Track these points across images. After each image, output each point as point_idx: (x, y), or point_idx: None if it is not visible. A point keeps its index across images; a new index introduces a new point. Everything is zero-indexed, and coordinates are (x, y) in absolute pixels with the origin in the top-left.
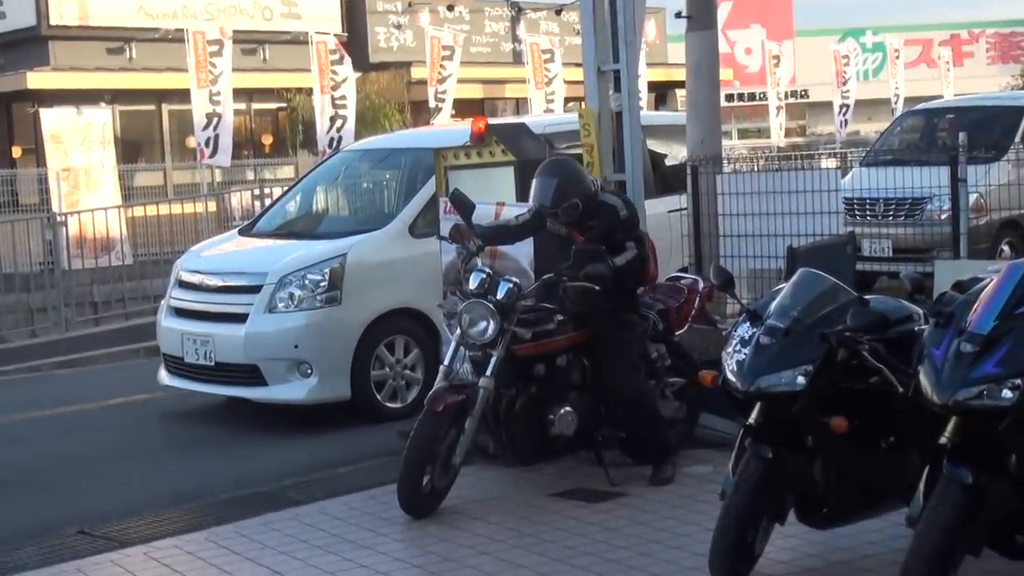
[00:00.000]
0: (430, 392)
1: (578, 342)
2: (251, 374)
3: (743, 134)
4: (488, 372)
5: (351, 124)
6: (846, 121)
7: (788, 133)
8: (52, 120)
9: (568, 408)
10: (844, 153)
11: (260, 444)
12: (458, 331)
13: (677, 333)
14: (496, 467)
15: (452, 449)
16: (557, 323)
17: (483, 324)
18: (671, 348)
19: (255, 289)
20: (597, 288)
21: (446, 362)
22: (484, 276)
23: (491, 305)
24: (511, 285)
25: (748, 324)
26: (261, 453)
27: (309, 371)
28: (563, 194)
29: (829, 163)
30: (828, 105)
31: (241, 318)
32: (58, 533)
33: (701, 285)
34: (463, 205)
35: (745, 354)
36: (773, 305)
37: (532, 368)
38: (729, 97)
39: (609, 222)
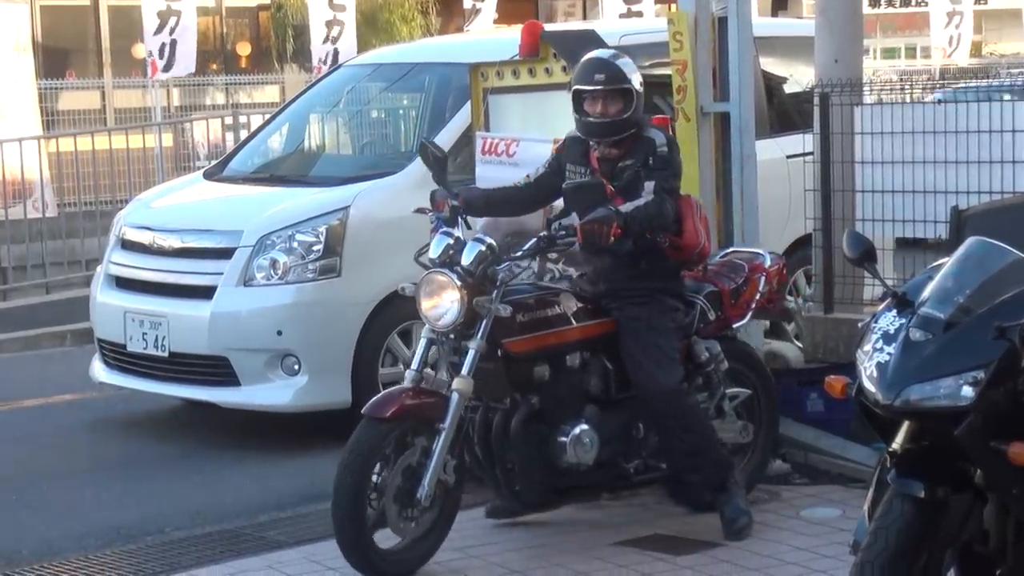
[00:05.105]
0: (373, 398)
1: (595, 335)
2: (218, 370)
3: (892, 53)
4: (464, 370)
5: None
6: None
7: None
8: None
9: (584, 427)
10: None
11: (228, 465)
12: (426, 324)
13: (735, 325)
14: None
15: (414, 478)
16: (565, 309)
17: (442, 302)
18: (729, 348)
19: (225, 253)
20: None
21: (413, 365)
22: (449, 241)
23: (452, 275)
24: (482, 247)
25: (894, 313)
26: (229, 478)
27: (296, 367)
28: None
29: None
30: (1015, 15)
31: (206, 292)
32: None
33: (769, 261)
34: (435, 160)
35: (889, 354)
36: (930, 287)
37: (532, 371)
38: (875, 1)
39: (642, 161)
